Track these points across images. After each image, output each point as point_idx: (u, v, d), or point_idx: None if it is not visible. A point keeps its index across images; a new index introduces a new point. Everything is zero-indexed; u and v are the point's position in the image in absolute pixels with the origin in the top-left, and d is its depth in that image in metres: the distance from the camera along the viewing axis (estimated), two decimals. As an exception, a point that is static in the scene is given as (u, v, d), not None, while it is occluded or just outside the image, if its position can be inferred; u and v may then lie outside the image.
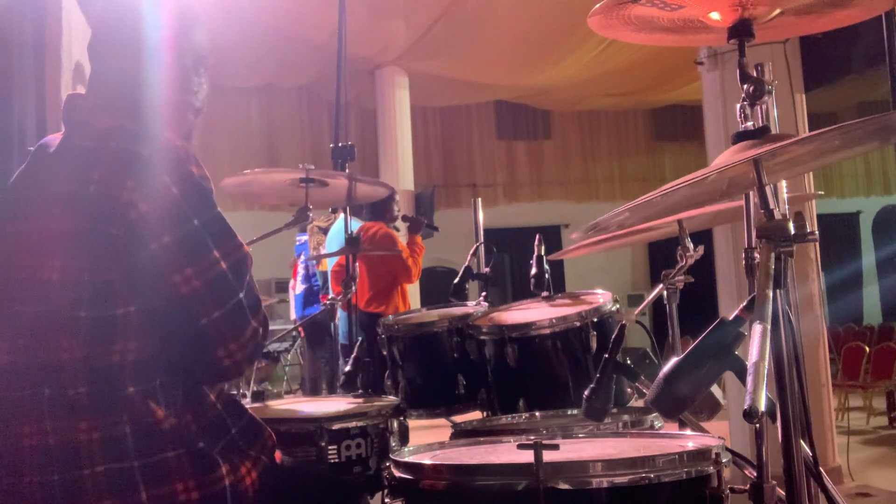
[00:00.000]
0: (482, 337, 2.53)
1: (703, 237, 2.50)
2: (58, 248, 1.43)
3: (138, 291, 1.43)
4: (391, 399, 2.45)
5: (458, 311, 2.83)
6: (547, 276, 2.74)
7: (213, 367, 1.50)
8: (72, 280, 1.41)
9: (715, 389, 1.68)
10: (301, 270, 7.24)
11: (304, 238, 7.22)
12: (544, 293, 2.74)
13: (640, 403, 2.35)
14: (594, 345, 2.40)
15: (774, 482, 1.50)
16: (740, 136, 1.58)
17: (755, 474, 1.64)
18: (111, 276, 1.41)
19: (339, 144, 3.50)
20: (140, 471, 1.39)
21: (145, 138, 1.49)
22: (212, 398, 1.55)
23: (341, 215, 6.15)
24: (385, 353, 2.76)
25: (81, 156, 1.49)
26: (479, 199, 3.72)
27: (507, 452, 1.65)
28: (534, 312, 2.63)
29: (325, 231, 6.66)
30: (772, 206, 1.44)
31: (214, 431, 1.53)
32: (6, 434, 1.41)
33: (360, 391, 2.51)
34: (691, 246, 2.37)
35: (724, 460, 1.47)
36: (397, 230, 5.76)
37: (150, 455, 1.40)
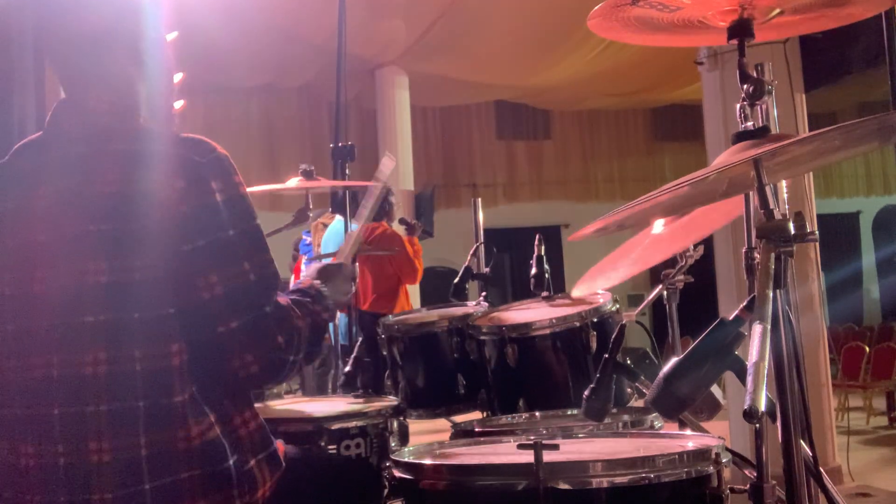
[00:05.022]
0: (482, 337, 2.53)
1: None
2: (100, 250, 1.41)
3: (174, 290, 1.42)
4: (391, 399, 2.45)
5: (458, 311, 2.83)
6: (547, 276, 2.74)
7: (229, 377, 1.47)
8: (123, 280, 1.40)
9: (715, 389, 1.68)
10: (304, 270, 7.20)
11: (311, 238, 7.18)
12: (544, 293, 2.74)
13: (640, 403, 2.35)
14: (594, 345, 2.40)
15: (774, 482, 1.50)
16: (740, 136, 1.58)
17: (755, 474, 1.64)
18: (159, 275, 1.41)
19: (339, 144, 3.50)
20: (151, 494, 1.39)
21: (192, 144, 1.49)
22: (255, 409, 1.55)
23: (338, 216, 6.15)
24: (385, 353, 2.76)
25: (119, 158, 1.47)
26: (479, 199, 3.72)
27: (507, 452, 1.65)
28: (534, 312, 2.63)
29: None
30: (772, 206, 1.44)
31: (263, 437, 1.53)
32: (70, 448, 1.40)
33: (359, 391, 2.51)
34: (691, 246, 2.37)
35: (724, 460, 1.47)
36: None
37: (162, 477, 1.39)
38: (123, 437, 1.38)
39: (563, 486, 1.35)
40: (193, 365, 1.45)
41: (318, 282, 1.70)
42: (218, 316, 1.43)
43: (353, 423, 2.13)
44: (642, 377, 1.86)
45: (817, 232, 1.46)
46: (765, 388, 1.19)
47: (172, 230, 1.42)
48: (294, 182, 3.17)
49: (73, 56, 1.56)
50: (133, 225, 1.42)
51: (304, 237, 7.37)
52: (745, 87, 1.62)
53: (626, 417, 2.12)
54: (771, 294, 1.33)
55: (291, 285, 1.69)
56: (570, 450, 1.58)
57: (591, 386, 1.77)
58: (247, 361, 1.45)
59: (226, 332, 1.43)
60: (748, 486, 1.50)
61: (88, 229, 1.42)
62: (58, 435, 1.39)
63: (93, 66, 1.55)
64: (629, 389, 2.39)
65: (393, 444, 2.19)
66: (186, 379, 1.43)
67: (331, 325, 3.38)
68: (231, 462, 1.45)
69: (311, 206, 3.27)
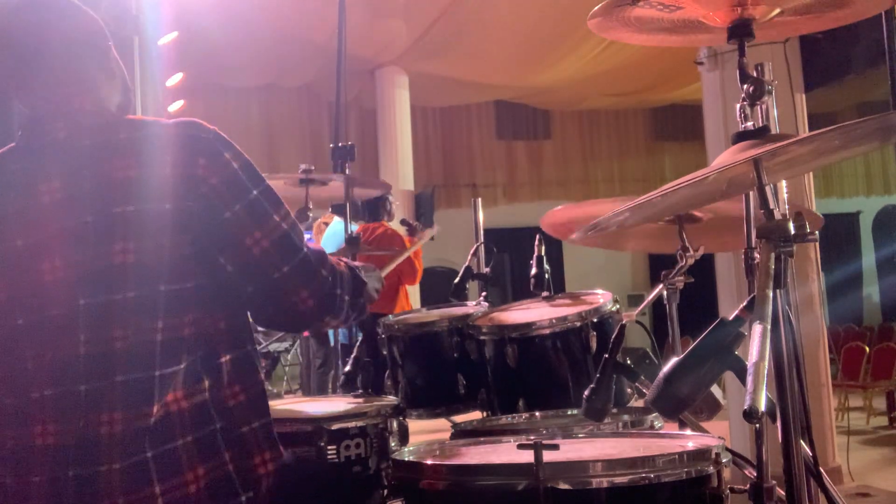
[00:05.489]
0: (482, 337, 2.53)
1: (703, 237, 2.50)
2: (129, 231, 1.47)
3: (208, 261, 1.52)
4: (390, 399, 2.44)
5: (458, 311, 2.82)
6: (547, 276, 2.74)
7: (291, 313, 1.63)
8: (149, 259, 1.46)
9: (715, 389, 1.68)
10: None
11: (309, 236, 7.18)
12: (544, 293, 2.74)
13: (640, 403, 2.35)
14: (594, 345, 2.40)
15: (774, 482, 1.50)
16: (740, 136, 1.58)
17: (755, 474, 1.64)
18: (185, 251, 1.49)
19: (339, 144, 3.51)
20: (154, 461, 1.42)
21: (190, 125, 1.58)
22: (261, 376, 1.61)
23: (336, 217, 6.16)
24: (385, 352, 2.75)
25: (128, 145, 1.54)
26: (479, 199, 3.72)
27: (507, 452, 1.65)
28: (534, 312, 2.62)
29: None
30: (772, 206, 1.44)
31: (257, 407, 1.57)
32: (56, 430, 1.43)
33: (359, 391, 2.51)
34: (691, 246, 2.37)
35: (724, 460, 1.47)
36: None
37: (162, 444, 1.43)
38: (137, 407, 1.42)
39: (563, 486, 1.35)
40: (217, 326, 1.53)
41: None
42: (271, 265, 1.57)
43: (352, 423, 2.13)
44: (642, 377, 1.86)
45: (817, 232, 1.46)
46: (765, 388, 1.19)
47: (207, 203, 1.51)
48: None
49: (53, 60, 1.59)
50: (163, 205, 1.49)
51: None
52: (745, 87, 1.62)
53: (626, 417, 2.12)
54: (771, 294, 1.33)
55: None
56: (570, 450, 1.59)
57: (591, 386, 1.77)
58: (303, 297, 1.61)
59: (280, 276, 1.58)
60: (748, 486, 1.50)
61: (113, 212, 1.47)
62: (82, 410, 1.43)
63: (73, 73, 1.60)
64: (629, 389, 2.38)
65: (393, 444, 2.19)
66: (194, 346, 1.49)
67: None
68: (217, 426, 1.49)
69: (310, 206, 3.27)
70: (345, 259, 1.81)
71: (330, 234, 6.34)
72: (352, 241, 3.12)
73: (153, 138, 1.56)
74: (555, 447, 1.39)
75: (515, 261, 12.91)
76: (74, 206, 1.50)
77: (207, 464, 1.46)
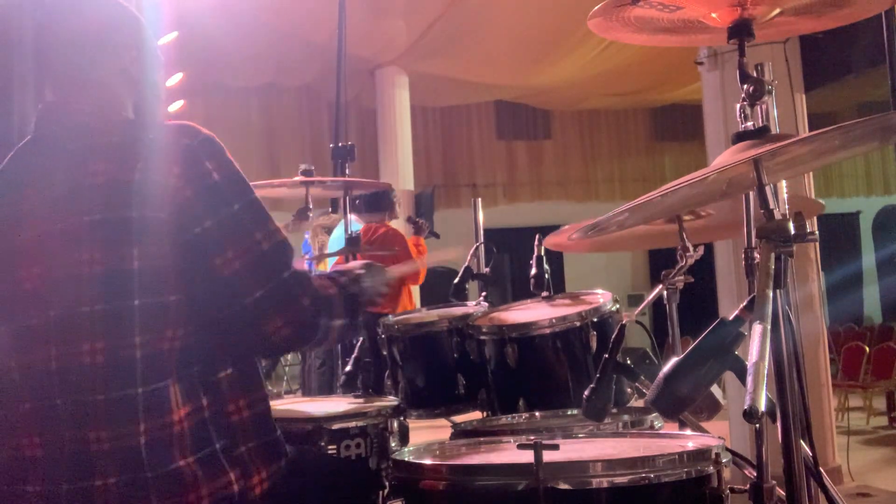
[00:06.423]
0: (482, 337, 2.53)
1: (703, 237, 2.50)
2: (95, 240, 1.41)
3: (182, 276, 1.44)
4: (391, 399, 2.45)
5: (458, 311, 2.82)
6: (547, 276, 2.74)
7: (263, 341, 1.51)
8: (117, 270, 1.40)
9: (715, 389, 1.68)
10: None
11: (306, 237, 7.17)
12: (544, 293, 2.74)
13: (640, 403, 2.35)
14: (594, 345, 2.40)
15: (774, 482, 1.50)
16: (740, 136, 1.58)
17: (755, 474, 1.64)
18: (161, 263, 1.42)
19: (339, 144, 3.51)
20: (153, 482, 1.39)
21: (179, 129, 1.50)
22: (265, 391, 1.56)
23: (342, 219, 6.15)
24: (385, 353, 2.76)
25: (108, 150, 1.48)
26: (479, 199, 3.72)
27: (507, 452, 1.66)
28: (534, 312, 2.63)
29: (328, 231, 6.62)
30: (772, 206, 1.44)
31: (260, 424, 1.54)
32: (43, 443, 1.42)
33: (360, 391, 2.52)
34: (691, 246, 2.37)
35: (724, 460, 1.47)
36: None
37: (163, 465, 1.40)
38: (123, 426, 1.39)
39: (563, 486, 1.35)
40: (207, 344, 1.47)
41: (357, 268, 1.76)
42: (242, 289, 1.46)
43: (353, 423, 2.13)
44: (642, 377, 1.86)
45: (817, 232, 1.46)
46: (765, 388, 1.19)
47: (178, 215, 1.43)
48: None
49: (56, 59, 1.57)
50: (129, 213, 1.42)
51: (305, 236, 7.37)
52: (745, 87, 1.62)
53: (626, 417, 2.12)
54: (771, 294, 1.33)
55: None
56: (570, 450, 1.59)
57: (591, 386, 1.77)
58: (278, 325, 1.49)
59: (252, 302, 1.46)
60: (748, 486, 1.50)
61: (82, 220, 1.42)
62: (63, 424, 1.40)
63: (75, 72, 1.57)
64: (629, 389, 2.38)
65: (393, 444, 2.19)
66: (184, 363, 1.44)
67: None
68: (217, 447, 1.46)
69: (311, 206, 3.27)
70: (340, 271, 1.70)
71: (336, 238, 6.33)
72: (352, 242, 3.12)
73: (135, 144, 1.48)
74: (555, 447, 1.39)
75: (515, 261, 12.90)
76: (49, 213, 1.46)
77: (212, 484, 1.43)
